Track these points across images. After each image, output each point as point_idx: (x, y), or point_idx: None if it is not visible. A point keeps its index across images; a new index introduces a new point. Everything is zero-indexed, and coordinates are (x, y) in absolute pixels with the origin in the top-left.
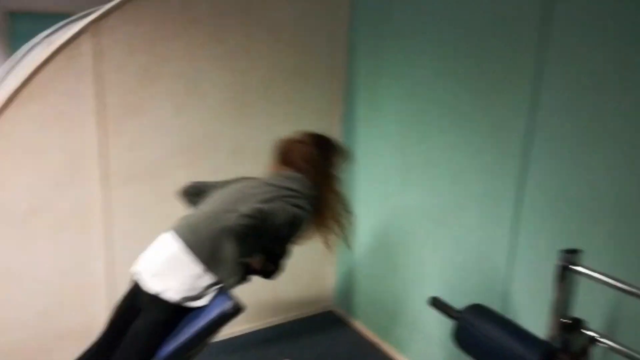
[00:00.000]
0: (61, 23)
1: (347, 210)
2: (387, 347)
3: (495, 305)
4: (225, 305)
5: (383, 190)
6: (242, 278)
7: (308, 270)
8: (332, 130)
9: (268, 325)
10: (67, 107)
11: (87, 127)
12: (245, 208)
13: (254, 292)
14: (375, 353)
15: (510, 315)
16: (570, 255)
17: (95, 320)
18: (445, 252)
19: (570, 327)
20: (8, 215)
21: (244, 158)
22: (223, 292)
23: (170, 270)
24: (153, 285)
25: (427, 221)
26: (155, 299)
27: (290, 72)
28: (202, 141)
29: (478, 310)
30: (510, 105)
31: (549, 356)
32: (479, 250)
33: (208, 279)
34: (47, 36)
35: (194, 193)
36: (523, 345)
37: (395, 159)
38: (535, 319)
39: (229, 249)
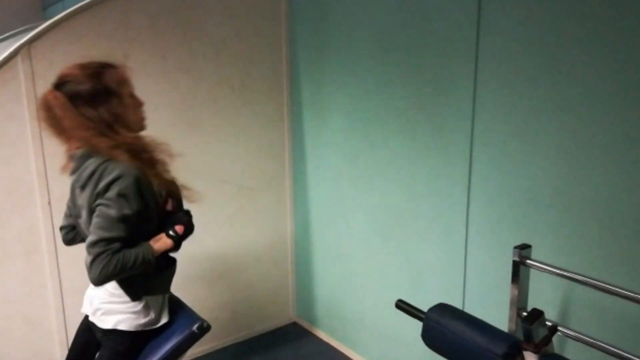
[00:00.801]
0: None
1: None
2: (353, 355)
3: (456, 305)
4: (193, 326)
5: (335, 199)
6: (165, 267)
7: (266, 284)
8: (282, 140)
9: (232, 342)
10: (5, 131)
11: (26, 151)
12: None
13: (215, 309)
14: (342, 357)
15: (471, 313)
16: (522, 251)
17: (48, 348)
18: (402, 256)
19: (530, 318)
20: None
21: (196, 173)
22: (186, 311)
23: (113, 302)
24: (104, 323)
25: (381, 226)
26: (111, 332)
27: (235, 86)
28: None
29: (443, 309)
30: (454, 108)
31: (514, 348)
32: (434, 252)
33: (146, 300)
34: None
35: (70, 237)
36: (489, 339)
37: (345, 168)
38: (496, 313)
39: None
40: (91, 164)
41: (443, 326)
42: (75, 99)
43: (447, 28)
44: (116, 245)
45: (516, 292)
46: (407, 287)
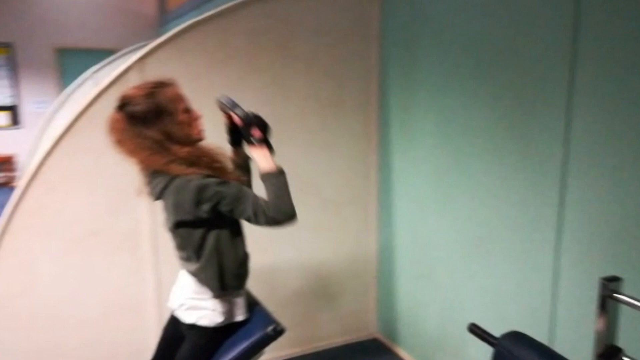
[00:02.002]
0: (108, 59)
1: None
2: None
3: (538, 334)
4: (268, 327)
5: (420, 216)
6: (242, 260)
7: (348, 297)
8: (369, 156)
9: (312, 350)
10: None
11: None
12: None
13: (296, 317)
14: None
15: (553, 344)
16: (611, 283)
17: (144, 337)
18: (485, 279)
19: (606, 355)
20: (70, 237)
21: None
22: (261, 310)
23: (198, 299)
24: (187, 318)
25: (464, 248)
26: (192, 327)
27: (325, 101)
28: None
29: (516, 337)
30: (546, 132)
31: None
32: (519, 277)
33: (224, 296)
34: (96, 71)
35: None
36: None
37: (431, 186)
38: (580, 347)
39: (206, 261)
40: (160, 182)
41: (515, 356)
42: (132, 119)
43: (539, 49)
44: (260, 204)
45: (601, 328)
46: (489, 311)
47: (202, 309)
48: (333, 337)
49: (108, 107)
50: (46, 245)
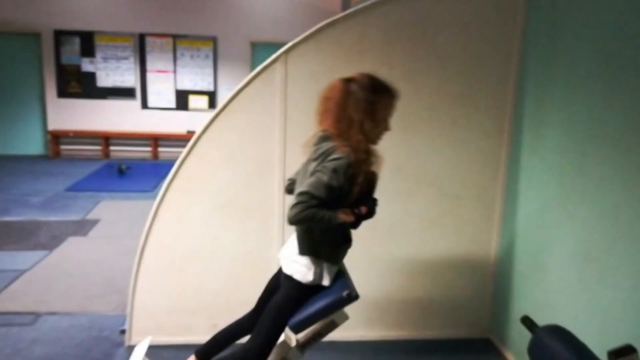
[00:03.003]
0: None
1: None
2: None
3: None
4: (343, 292)
5: (541, 218)
6: (342, 243)
7: (463, 292)
8: (499, 154)
9: (420, 337)
10: (260, 120)
11: (273, 139)
12: (294, 197)
13: (409, 302)
14: None
15: None
16: None
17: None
18: (597, 288)
19: (616, 352)
20: (213, 202)
21: (406, 175)
22: (344, 279)
23: (296, 256)
24: (287, 268)
25: (580, 254)
26: (289, 278)
27: (455, 97)
28: None
29: (555, 330)
30: None
31: None
32: (631, 292)
33: (318, 262)
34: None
35: (290, 188)
36: None
37: (554, 188)
38: None
39: (307, 235)
40: (325, 145)
41: (546, 345)
42: (349, 95)
43: None
44: (315, 202)
45: None
46: (595, 322)
47: (300, 265)
48: (444, 328)
49: (255, 93)
50: (195, 206)
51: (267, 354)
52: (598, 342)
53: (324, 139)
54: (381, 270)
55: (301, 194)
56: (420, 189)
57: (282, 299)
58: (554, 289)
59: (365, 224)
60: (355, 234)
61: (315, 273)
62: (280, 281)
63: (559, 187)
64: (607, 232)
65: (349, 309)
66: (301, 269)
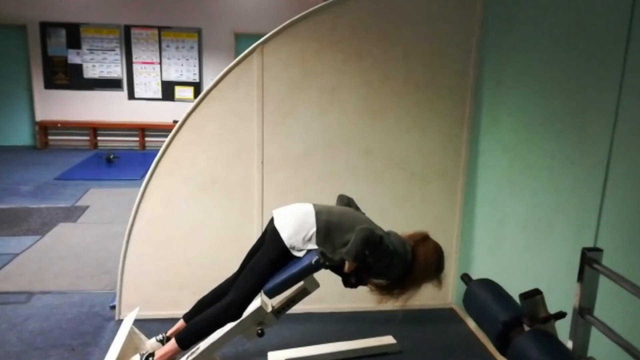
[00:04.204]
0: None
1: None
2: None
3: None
4: (312, 259)
5: (497, 195)
6: (329, 266)
7: None
8: (461, 137)
9: (388, 308)
10: (239, 107)
11: (252, 123)
12: (379, 231)
13: None
14: (481, 351)
15: None
16: (591, 253)
17: None
18: (541, 255)
19: (525, 294)
20: (197, 183)
21: (374, 157)
22: (317, 253)
23: (294, 219)
24: (278, 222)
25: (531, 228)
26: (274, 233)
27: (420, 84)
28: (340, 140)
29: (485, 282)
30: (596, 101)
31: (515, 319)
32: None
33: (312, 243)
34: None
35: (343, 200)
36: (501, 309)
37: (508, 167)
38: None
39: (350, 242)
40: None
41: (475, 294)
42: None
43: (594, 39)
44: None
45: (579, 293)
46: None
47: (290, 230)
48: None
49: (234, 83)
50: (181, 187)
51: (246, 306)
52: (551, 304)
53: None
54: None
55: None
56: (387, 169)
57: (264, 257)
58: (507, 257)
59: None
60: None
61: (296, 242)
62: (262, 242)
63: (511, 165)
64: (550, 204)
65: (324, 282)
66: (288, 234)
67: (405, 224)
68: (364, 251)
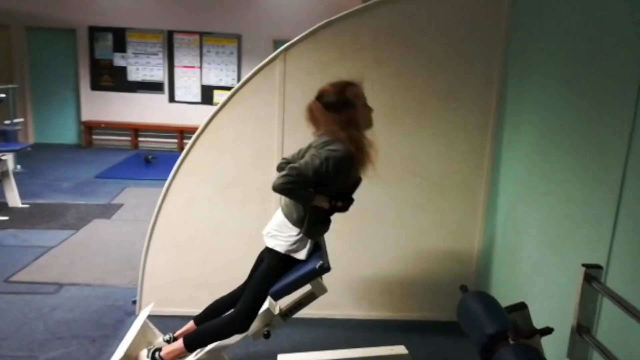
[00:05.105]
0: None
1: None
2: None
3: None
4: (317, 264)
5: (515, 208)
6: (320, 223)
7: (446, 276)
8: (484, 148)
9: (404, 317)
10: (260, 113)
11: (272, 128)
12: (285, 169)
13: (391, 284)
14: None
15: None
16: (590, 270)
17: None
18: (558, 270)
19: (510, 308)
20: (218, 185)
21: (393, 163)
22: (320, 253)
23: (278, 232)
24: (269, 242)
25: (546, 241)
26: (270, 251)
27: (442, 92)
28: None
29: (480, 294)
30: (612, 117)
31: (500, 333)
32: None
33: (299, 236)
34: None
35: (282, 167)
36: (489, 321)
37: (527, 179)
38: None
39: (295, 208)
40: (325, 136)
41: (467, 305)
42: (327, 106)
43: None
44: (299, 179)
45: (577, 310)
46: (559, 303)
47: (280, 240)
48: (425, 311)
49: (257, 88)
50: (201, 188)
51: (252, 317)
52: (560, 318)
53: (323, 134)
54: (370, 252)
55: (292, 168)
56: (407, 177)
57: (264, 269)
58: (524, 272)
59: (357, 207)
60: (347, 215)
61: (291, 245)
62: (264, 256)
63: (530, 177)
64: (565, 219)
65: (337, 288)
66: (280, 242)
67: (424, 231)
68: (298, 189)
